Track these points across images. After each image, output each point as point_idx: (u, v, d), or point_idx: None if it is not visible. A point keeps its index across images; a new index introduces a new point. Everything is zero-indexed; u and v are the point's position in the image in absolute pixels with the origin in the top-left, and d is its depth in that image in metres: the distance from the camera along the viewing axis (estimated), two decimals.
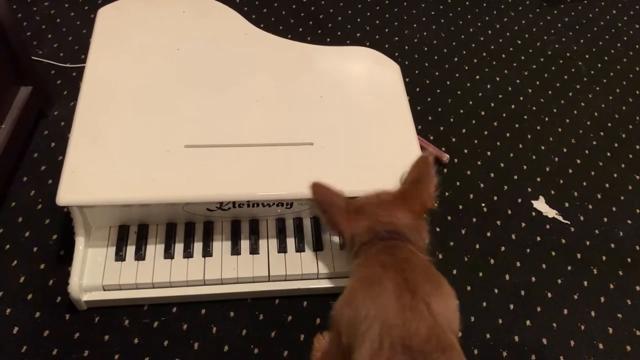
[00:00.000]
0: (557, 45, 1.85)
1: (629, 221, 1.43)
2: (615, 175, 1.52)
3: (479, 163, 1.51)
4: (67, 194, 1.05)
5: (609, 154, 1.57)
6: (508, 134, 1.58)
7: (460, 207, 1.41)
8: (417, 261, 0.92)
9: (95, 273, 1.12)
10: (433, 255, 1.29)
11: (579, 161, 1.55)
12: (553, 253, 1.35)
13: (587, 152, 1.57)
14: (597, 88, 1.74)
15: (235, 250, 1.17)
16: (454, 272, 1.29)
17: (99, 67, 1.24)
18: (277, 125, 1.20)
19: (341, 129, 1.21)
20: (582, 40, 1.87)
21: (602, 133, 1.62)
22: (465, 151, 1.53)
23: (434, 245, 1.33)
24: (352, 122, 1.22)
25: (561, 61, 1.80)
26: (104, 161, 1.10)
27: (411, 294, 0.85)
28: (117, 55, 1.28)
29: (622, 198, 1.47)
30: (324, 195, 0.99)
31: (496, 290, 1.27)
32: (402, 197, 0.98)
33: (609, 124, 1.64)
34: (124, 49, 1.29)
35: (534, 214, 1.42)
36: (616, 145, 1.59)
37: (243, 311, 1.18)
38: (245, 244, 1.18)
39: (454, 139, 1.55)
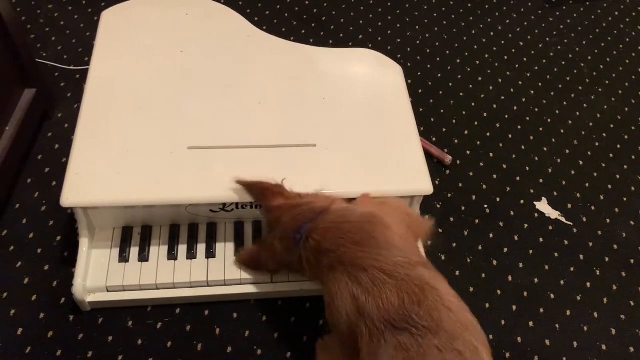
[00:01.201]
0: (559, 47, 1.85)
1: (632, 222, 1.43)
2: (617, 176, 1.52)
3: (482, 164, 1.51)
4: (71, 195, 1.05)
5: (611, 155, 1.57)
6: (510, 136, 1.59)
7: (463, 208, 1.41)
8: (339, 231, 0.94)
9: (99, 274, 1.13)
10: (435, 256, 1.31)
11: (581, 162, 1.55)
12: (556, 254, 1.35)
13: (589, 153, 1.57)
14: (600, 89, 1.74)
15: (239, 252, 1.17)
16: (457, 273, 1.30)
17: (103, 69, 1.25)
18: (280, 127, 1.20)
19: (344, 130, 1.21)
20: (584, 42, 1.88)
21: (604, 134, 1.62)
22: (468, 152, 1.53)
23: (437, 247, 1.33)
24: (354, 124, 1.23)
25: (563, 63, 1.80)
26: (108, 163, 1.10)
27: (362, 270, 0.88)
28: (121, 57, 1.28)
29: (625, 199, 1.47)
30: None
31: (499, 292, 1.27)
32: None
33: (612, 126, 1.65)
34: (127, 51, 1.30)
35: (536, 215, 1.42)
36: (619, 146, 1.60)
37: (246, 312, 1.18)
38: (248, 246, 1.18)
39: (456, 141, 1.56)
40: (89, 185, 1.07)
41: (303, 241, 0.97)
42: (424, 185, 1.15)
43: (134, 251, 1.15)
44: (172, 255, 1.15)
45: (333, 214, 0.97)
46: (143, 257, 1.15)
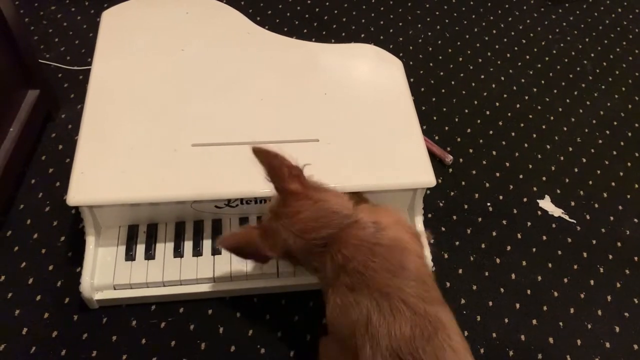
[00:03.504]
0: (562, 44, 1.85)
1: (636, 220, 1.42)
2: (621, 173, 1.52)
3: (484, 162, 1.51)
4: (77, 194, 1.06)
5: (614, 152, 1.57)
6: (513, 134, 1.58)
7: (466, 206, 1.41)
8: (371, 253, 0.88)
9: (106, 272, 1.13)
10: (438, 255, 1.31)
11: (584, 160, 1.54)
12: (559, 252, 1.35)
13: (592, 150, 1.57)
14: (603, 87, 1.73)
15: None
16: (460, 271, 1.29)
17: (105, 69, 1.25)
18: (283, 123, 1.21)
19: (346, 125, 1.22)
20: (587, 39, 1.87)
21: (607, 132, 1.62)
22: (471, 151, 1.53)
23: (440, 245, 1.33)
24: (356, 118, 1.23)
25: (566, 60, 1.80)
26: (113, 161, 1.11)
27: (386, 298, 0.86)
28: (122, 56, 1.29)
29: (629, 197, 1.47)
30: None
31: (502, 290, 1.27)
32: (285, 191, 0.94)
33: (615, 123, 1.64)
34: (128, 51, 1.30)
35: (539, 213, 1.42)
36: (622, 143, 1.59)
37: (249, 311, 1.19)
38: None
39: (459, 139, 1.55)
40: (95, 183, 1.08)
41: (330, 253, 0.90)
42: (426, 177, 1.15)
43: (140, 249, 1.16)
44: (178, 253, 1.16)
45: (363, 229, 0.90)
46: (149, 255, 1.15)
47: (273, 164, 0.94)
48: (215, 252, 1.17)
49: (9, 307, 1.17)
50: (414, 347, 0.82)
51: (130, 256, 1.15)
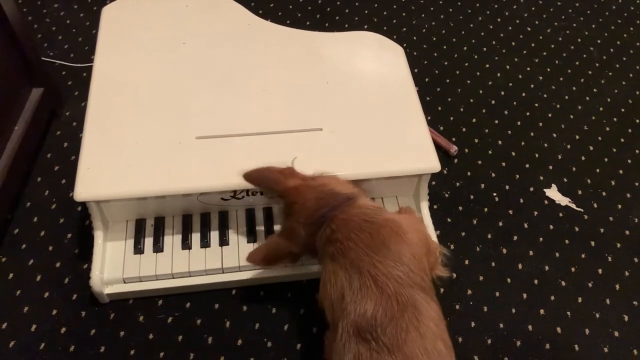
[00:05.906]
0: (567, 31, 1.83)
1: None
2: (629, 161, 1.50)
3: (490, 152, 1.50)
4: (84, 190, 1.07)
5: (622, 140, 1.55)
6: (519, 123, 1.57)
7: (472, 197, 1.40)
8: (356, 227, 0.90)
9: (116, 266, 1.14)
10: (445, 246, 1.30)
11: (591, 148, 1.53)
12: (566, 241, 1.34)
13: (599, 138, 1.55)
14: (610, 74, 1.71)
15: (251, 238, 1.18)
16: (466, 262, 1.29)
17: (107, 65, 1.26)
18: (286, 113, 1.21)
19: (349, 113, 1.22)
20: (593, 26, 1.85)
21: (615, 119, 1.60)
22: (476, 140, 1.52)
23: (446, 236, 1.33)
24: (359, 106, 1.23)
25: (572, 47, 1.78)
26: (118, 156, 1.11)
27: (358, 272, 0.87)
28: (124, 51, 1.29)
29: (637, 184, 1.46)
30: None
31: (509, 280, 1.27)
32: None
33: (622, 110, 1.62)
34: (130, 45, 1.30)
35: (546, 202, 1.41)
36: (630, 131, 1.57)
37: (255, 305, 1.19)
38: (260, 231, 1.19)
39: (464, 129, 1.54)
40: (101, 179, 1.08)
41: (323, 229, 0.93)
42: (430, 163, 1.15)
43: (149, 242, 1.17)
44: (186, 245, 1.17)
45: (359, 208, 0.93)
46: (158, 247, 1.16)
47: (265, 176, 1.00)
48: (222, 243, 1.17)
49: (18, 304, 1.17)
50: (373, 326, 0.82)
51: (138, 249, 1.16)
